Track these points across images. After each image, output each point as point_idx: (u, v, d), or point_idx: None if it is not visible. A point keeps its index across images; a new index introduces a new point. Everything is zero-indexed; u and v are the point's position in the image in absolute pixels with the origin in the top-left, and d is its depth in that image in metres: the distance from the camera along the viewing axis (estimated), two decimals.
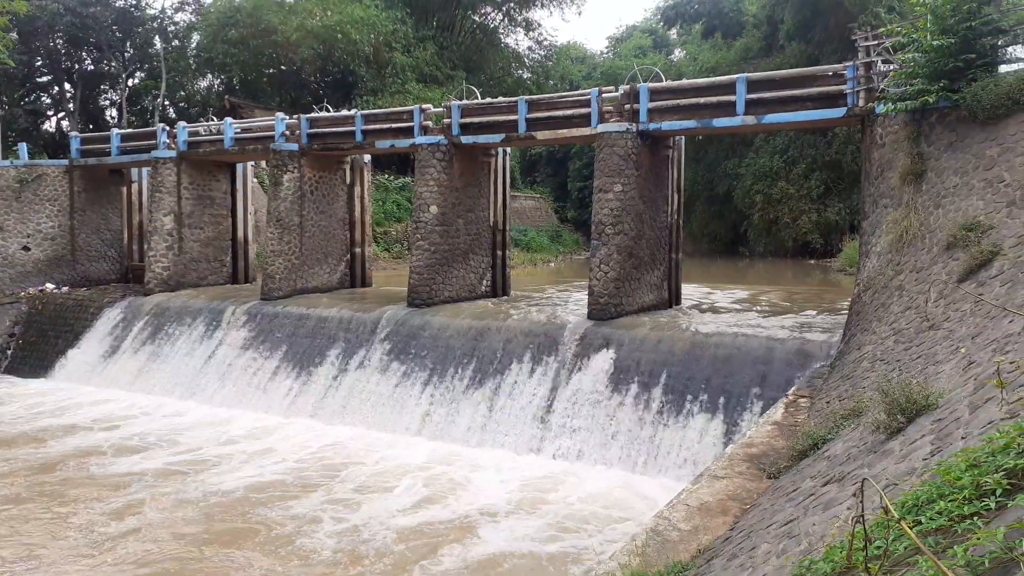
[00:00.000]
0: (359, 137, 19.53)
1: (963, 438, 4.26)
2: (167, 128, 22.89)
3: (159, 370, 19.15)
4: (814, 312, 17.05)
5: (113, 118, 45.08)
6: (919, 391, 5.49)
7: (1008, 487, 2.96)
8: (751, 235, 43.42)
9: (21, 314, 23.05)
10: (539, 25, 53.38)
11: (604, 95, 16.09)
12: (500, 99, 18.58)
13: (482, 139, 17.80)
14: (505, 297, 20.12)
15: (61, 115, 44.41)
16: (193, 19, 46.74)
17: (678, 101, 15.45)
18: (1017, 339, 5.63)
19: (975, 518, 2.92)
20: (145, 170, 25.26)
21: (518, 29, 53.26)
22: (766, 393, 12.15)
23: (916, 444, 4.82)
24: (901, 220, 10.91)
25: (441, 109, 18.59)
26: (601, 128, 15.73)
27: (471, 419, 14.41)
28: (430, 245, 18.00)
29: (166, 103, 44.97)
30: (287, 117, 20.91)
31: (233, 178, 24.07)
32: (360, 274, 22.65)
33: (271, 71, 45.55)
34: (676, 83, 16.59)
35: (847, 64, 13.75)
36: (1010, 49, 11.57)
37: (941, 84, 11.03)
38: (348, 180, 22.18)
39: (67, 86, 43.79)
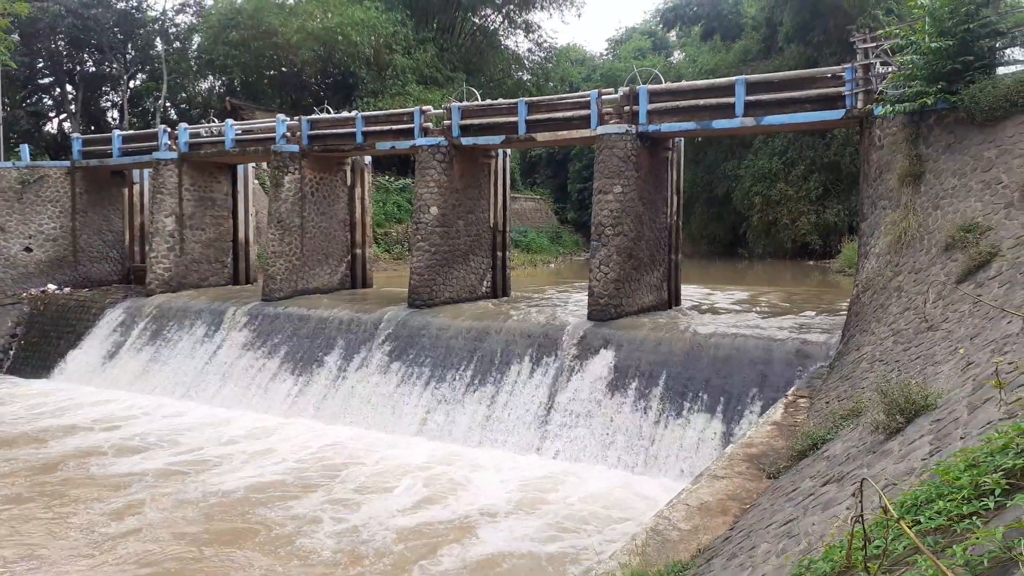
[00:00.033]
0: (360, 139, 19.56)
1: (962, 438, 4.28)
2: (168, 130, 22.91)
3: (160, 371, 19.17)
4: (813, 313, 17.06)
5: (115, 120, 45.16)
6: (918, 391, 5.52)
7: (1007, 487, 2.98)
8: (750, 236, 43.42)
9: (23, 315, 23.08)
10: (539, 27, 53.39)
11: (604, 97, 16.11)
12: (500, 101, 18.59)
13: (482, 141, 17.83)
14: (505, 298, 20.14)
15: (63, 117, 44.48)
16: (194, 21, 46.84)
17: (677, 103, 15.47)
18: (1015, 340, 5.66)
19: (974, 518, 2.93)
20: (147, 171, 25.32)
21: (518, 31, 53.31)
22: (766, 393, 12.17)
23: (915, 444, 4.84)
24: (900, 221, 10.93)
25: (441, 111, 18.62)
26: (601, 130, 15.76)
27: (471, 419, 14.43)
28: (430, 246, 18.03)
29: (167, 105, 45.04)
30: (288, 119, 20.94)
31: (234, 179, 24.09)
32: (361, 275, 22.68)
33: (272, 73, 45.62)
34: (675, 85, 16.62)
35: (846, 66, 13.77)
36: (1008, 51, 11.61)
37: (939, 86, 11.06)
38: (349, 181, 22.21)
39: (69, 88, 43.88)
